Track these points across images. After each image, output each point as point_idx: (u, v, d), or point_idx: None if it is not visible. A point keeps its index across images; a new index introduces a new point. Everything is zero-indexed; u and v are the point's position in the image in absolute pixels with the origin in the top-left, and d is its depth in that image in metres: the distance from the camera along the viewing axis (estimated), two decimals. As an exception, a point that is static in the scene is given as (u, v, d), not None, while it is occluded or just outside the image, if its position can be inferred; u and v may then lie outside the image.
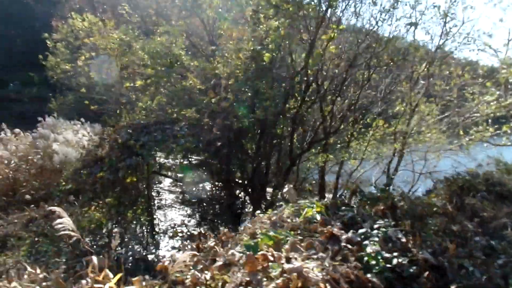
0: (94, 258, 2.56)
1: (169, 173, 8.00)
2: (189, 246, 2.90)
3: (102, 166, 6.31)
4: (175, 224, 9.25)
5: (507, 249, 2.90)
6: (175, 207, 10.00)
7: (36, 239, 5.59)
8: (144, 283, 2.41)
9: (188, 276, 2.30)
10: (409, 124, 9.48)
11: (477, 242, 3.02)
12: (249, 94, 5.48)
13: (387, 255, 2.26)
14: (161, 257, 6.80)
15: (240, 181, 7.94)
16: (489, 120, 10.87)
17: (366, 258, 2.20)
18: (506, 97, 10.08)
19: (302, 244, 2.16)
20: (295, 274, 1.72)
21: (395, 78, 10.31)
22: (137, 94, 8.78)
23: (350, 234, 2.29)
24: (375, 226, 2.70)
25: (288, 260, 1.93)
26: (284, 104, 6.15)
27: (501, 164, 7.77)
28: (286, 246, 2.13)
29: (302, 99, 6.58)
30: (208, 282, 2.16)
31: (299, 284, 1.70)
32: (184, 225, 9.18)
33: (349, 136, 8.53)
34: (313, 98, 6.95)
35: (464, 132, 11.05)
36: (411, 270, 2.26)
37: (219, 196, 8.28)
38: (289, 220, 2.62)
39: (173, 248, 8.28)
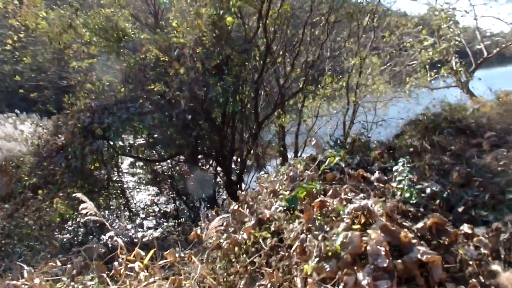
0: (120, 240, 2.51)
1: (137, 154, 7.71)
2: (210, 214, 2.93)
3: (66, 155, 5.93)
4: (145, 205, 9.09)
5: (482, 174, 3.32)
6: (140, 188, 9.77)
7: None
8: (177, 255, 2.43)
9: (223, 240, 2.36)
10: (360, 76, 9.95)
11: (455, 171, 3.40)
12: (217, 61, 5.37)
13: (418, 186, 2.53)
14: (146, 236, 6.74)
15: (208, 152, 7.92)
16: (427, 66, 11.82)
17: (399, 192, 2.43)
18: (439, 43, 10.95)
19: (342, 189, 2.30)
20: (359, 211, 1.88)
21: (340, 34, 10.62)
22: (81, 75, 8.14)
23: (377, 174, 2.48)
24: (387, 165, 2.94)
25: (349, 201, 2.08)
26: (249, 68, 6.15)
27: (445, 105, 8.51)
28: (330, 193, 2.26)
29: (263, 62, 6.61)
30: (247, 242, 2.24)
31: (363, 220, 1.86)
32: (155, 204, 9.06)
33: (303, 95, 8.73)
34: (271, 60, 6.99)
35: (406, 79, 11.92)
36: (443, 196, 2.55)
37: (187, 171, 8.21)
38: (307, 172, 2.75)
39: (149, 228, 8.22)
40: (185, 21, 6.08)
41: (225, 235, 2.38)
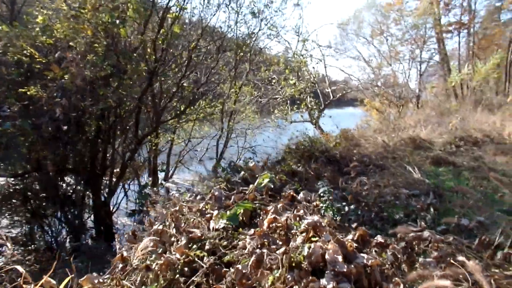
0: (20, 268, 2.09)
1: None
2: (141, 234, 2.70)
3: None
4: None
5: (355, 197, 4.06)
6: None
7: None
8: (96, 281, 2.19)
9: (151, 261, 2.27)
10: (235, 104, 10.64)
11: (336, 194, 4.07)
12: (108, 71, 4.97)
13: (337, 205, 2.93)
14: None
15: (77, 169, 7.08)
16: (288, 101, 13.49)
17: (323, 210, 2.77)
18: (298, 83, 12.67)
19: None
20: (310, 226, 2.10)
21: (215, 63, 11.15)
22: None
23: (301, 194, 2.76)
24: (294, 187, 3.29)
25: (301, 218, 2.26)
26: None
27: (306, 136, 9.84)
28: (272, 210, 2.40)
29: (150, 79, 6.47)
30: (180, 262, 2.22)
31: (310, 234, 2.09)
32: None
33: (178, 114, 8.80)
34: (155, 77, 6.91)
35: (271, 111, 13.29)
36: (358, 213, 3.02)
37: (49, 189, 7.11)
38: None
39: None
40: (65, 22, 5.49)
41: (154, 255, 2.28)
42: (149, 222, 2.88)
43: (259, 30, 9.85)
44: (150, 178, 10.77)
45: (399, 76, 15.87)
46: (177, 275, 2.18)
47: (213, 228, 2.43)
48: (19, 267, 2.22)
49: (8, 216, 7.79)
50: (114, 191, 7.78)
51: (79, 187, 7.30)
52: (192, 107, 8.16)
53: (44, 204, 7.23)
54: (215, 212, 2.58)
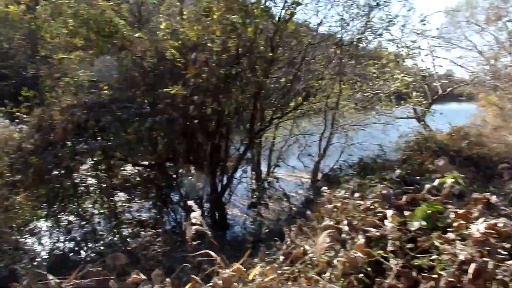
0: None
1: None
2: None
3: (56, 152, 5.30)
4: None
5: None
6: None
7: None
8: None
9: (335, 258, 2.28)
10: (338, 100, 10.40)
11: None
12: (239, 69, 5.26)
13: None
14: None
15: (200, 161, 7.64)
16: (392, 96, 12.73)
17: None
18: (405, 77, 11.83)
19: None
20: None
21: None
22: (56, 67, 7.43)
23: (494, 198, 2.55)
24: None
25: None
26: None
27: (418, 134, 9.19)
28: (476, 214, 2.26)
29: (265, 76, 6.61)
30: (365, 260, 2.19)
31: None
32: (127, 212, 8.41)
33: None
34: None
35: (374, 107, 12.67)
36: None
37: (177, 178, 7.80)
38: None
39: (127, 236, 7.57)
40: (196, 24, 5.90)
41: (333, 252, 2.30)
42: (315, 217, 2.92)
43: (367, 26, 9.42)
44: (254, 172, 11.12)
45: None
46: (361, 275, 2.16)
47: (392, 227, 2.36)
48: (212, 253, 2.42)
49: (138, 201, 8.76)
50: (229, 183, 8.21)
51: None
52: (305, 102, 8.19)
53: (169, 192, 7.99)
54: (389, 212, 2.50)
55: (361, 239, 2.36)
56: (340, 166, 6.71)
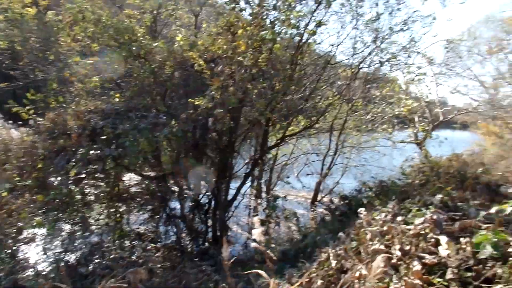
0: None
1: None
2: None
3: (69, 158, 5.14)
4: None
5: None
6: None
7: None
8: None
9: (391, 283, 2.19)
10: (346, 121, 10.44)
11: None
12: (265, 85, 5.24)
13: None
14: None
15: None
16: (395, 120, 12.86)
17: None
18: (410, 101, 11.97)
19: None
20: None
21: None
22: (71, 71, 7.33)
23: None
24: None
25: None
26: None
27: (425, 159, 9.25)
28: None
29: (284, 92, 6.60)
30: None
31: None
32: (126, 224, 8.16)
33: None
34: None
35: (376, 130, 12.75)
36: None
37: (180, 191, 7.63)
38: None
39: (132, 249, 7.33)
40: (222, 37, 5.90)
41: (389, 279, 2.21)
42: (357, 240, 2.83)
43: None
44: (254, 189, 10.99)
45: (521, 98, 14.22)
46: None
47: (448, 255, 2.29)
48: (264, 274, 2.30)
49: (137, 213, 8.50)
50: (234, 199, 8.06)
51: (207, 193, 7.72)
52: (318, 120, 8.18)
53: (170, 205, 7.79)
54: (443, 238, 2.43)
55: (417, 266, 2.29)
56: (359, 188, 6.65)
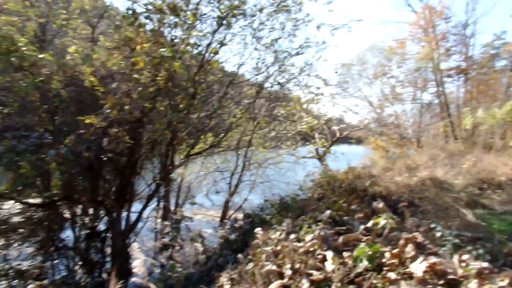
0: None
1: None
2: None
3: None
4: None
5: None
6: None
7: None
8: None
9: None
10: (251, 138, 10.70)
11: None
12: (164, 103, 5.00)
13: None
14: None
15: (103, 199, 6.89)
16: (298, 137, 13.65)
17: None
18: (311, 119, 12.88)
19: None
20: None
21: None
22: None
23: (421, 236, 2.74)
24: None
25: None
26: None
27: (323, 173, 9.91)
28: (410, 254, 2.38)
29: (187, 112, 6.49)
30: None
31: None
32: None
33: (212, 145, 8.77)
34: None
35: (281, 146, 13.37)
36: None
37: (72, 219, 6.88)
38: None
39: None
40: (118, 53, 5.58)
41: None
42: (255, 260, 2.80)
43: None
44: (160, 211, 10.49)
45: (401, 117, 16.40)
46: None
47: (333, 270, 2.40)
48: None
49: (21, 247, 7.40)
50: (136, 224, 7.54)
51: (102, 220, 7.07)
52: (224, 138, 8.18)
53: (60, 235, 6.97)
54: (329, 254, 2.55)
55: (305, 283, 2.35)
56: (261, 205, 6.76)
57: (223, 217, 11.60)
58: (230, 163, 12.24)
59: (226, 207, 11.52)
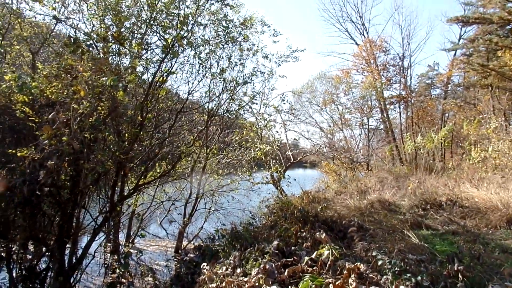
0: None
1: None
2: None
3: None
4: None
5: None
6: None
7: None
8: None
9: None
10: (205, 166, 10.57)
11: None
12: (107, 133, 4.77)
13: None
14: None
15: (43, 236, 6.35)
16: (253, 163, 13.72)
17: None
18: (264, 145, 13.05)
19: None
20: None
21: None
22: None
23: (364, 266, 2.74)
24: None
25: None
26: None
27: (277, 199, 9.96)
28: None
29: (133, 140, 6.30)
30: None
31: None
32: None
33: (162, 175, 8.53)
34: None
35: (236, 173, 13.35)
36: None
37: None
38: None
39: None
40: (55, 80, 5.32)
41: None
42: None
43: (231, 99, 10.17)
44: (110, 244, 9.90)
45: (350, 141, 17.13)
46: None
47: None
48: None
49: None
50: (81, 260, 7.01)
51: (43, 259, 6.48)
52: (174, 168, 7.96)
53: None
54: None
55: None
56: (213, 236, 6.58)
57: (177, 248, 11.17)
58: (184, 191, 11.95)
59: (180, 237, 11.13)
